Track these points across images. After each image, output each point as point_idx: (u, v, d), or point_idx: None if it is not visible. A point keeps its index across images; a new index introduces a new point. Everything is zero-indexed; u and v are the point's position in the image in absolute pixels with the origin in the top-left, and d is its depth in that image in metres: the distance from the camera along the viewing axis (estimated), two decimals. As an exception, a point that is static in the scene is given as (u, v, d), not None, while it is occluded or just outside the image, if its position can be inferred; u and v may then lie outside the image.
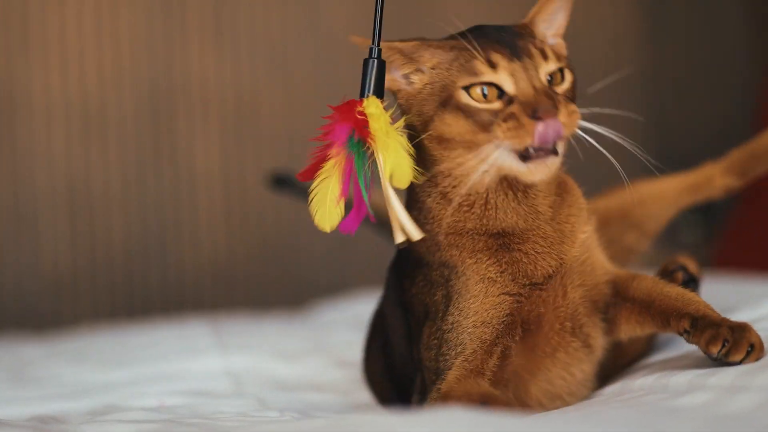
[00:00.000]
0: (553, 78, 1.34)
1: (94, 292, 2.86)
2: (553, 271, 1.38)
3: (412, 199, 1.39)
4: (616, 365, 1.52)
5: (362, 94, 1.35)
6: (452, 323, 1.37)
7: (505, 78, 1.32)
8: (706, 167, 1.66)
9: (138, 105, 2.88)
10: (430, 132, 1.34)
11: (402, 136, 1.31)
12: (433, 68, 1.36)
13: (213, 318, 2.49)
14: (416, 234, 1.30)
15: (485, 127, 1.31)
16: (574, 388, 1.43)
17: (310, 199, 1.30)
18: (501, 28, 1.37)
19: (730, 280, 2.17)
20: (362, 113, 1.31)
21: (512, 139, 1.30)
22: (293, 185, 2.01)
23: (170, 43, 2.90)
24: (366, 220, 1.31)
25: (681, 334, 1.36)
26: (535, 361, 1.40)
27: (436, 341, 1.38)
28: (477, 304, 1.36)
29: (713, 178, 1.66)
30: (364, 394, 1.78)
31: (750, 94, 3.04)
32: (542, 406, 1.42)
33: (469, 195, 1.35)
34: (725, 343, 1.31)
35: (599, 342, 1.43)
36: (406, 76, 1.38)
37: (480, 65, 1.32)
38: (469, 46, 1.33)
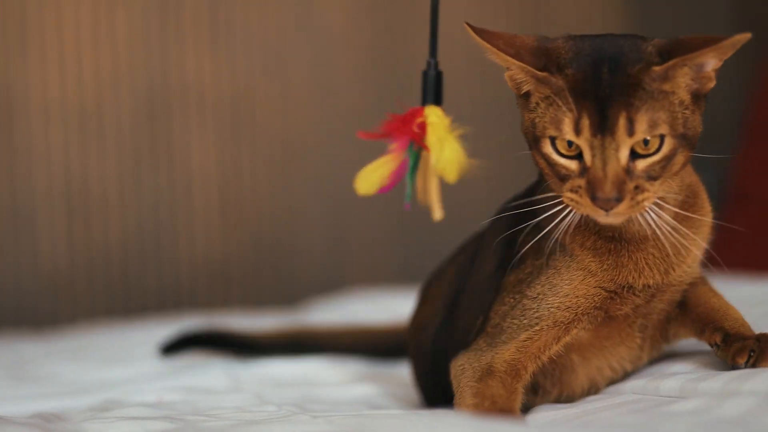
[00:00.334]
0: (649, 143, 1.30)
1: (91, 290, 2.87)
2: (654, 286, 1.40)
3: None
4: None
5: (423, 103, 1.46)
6: (538, 294, 1.39)
7: (585, 148, 1.30)
8: None
9: (135, 105, 2.89)
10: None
11: (453, 147, 1.42)
12: (537, 103, 1.35)
13: (209, 316, 2.52)
14: (438, 214, 1.42)
15: (562, 179, 1.33)
16: (614, 382, 1.47)
17: (364, 168, 1.47)
18: (614, 67, 1.30)
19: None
20: (421, 124, 1.43)
21: (573, 206, 1.32)
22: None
23: (166, 44, 2.91)
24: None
25: (711, 346, 1.39)
26: (596, 348, 1.43)
27: (513, 300, 1.41)
28: (570, 287, 1.39)
29: None
30: (361, 390, 1.81)
31: (739, 98, 3.07)
32: (582, 392, 1.46)
33: None
34: (751, 353, 1.34)
35: (655, 345, 1.47)
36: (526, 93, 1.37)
37: (567, 125, 1.30)
38: (560, 101, 1.31)
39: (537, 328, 1.39)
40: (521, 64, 1.33)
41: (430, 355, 1.62)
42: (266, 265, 2.99)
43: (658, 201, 1.32)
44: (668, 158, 1.30)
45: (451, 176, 1.42)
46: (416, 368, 1.68)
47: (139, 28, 2.89)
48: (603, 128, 1.28)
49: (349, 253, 3.06)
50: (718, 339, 1.37)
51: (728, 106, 3.09)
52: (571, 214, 1.33)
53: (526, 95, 1.36)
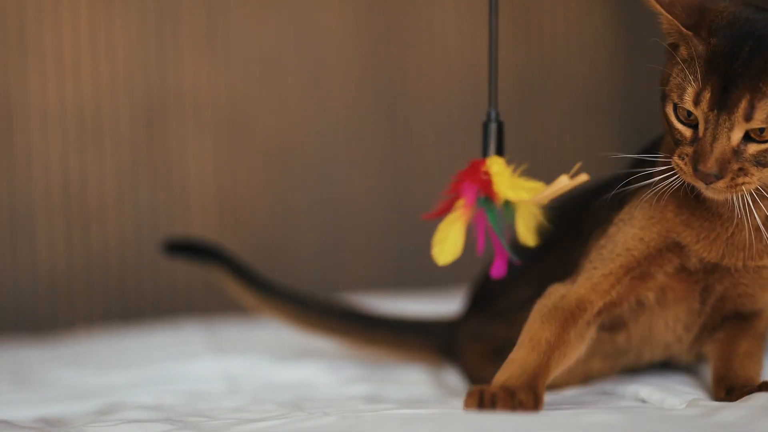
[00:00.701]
0: (765, 131, 1.29)
1: (89, 294, 2.88)
2: (710, 264, 1.42)
3: None
4: None
5: (484, 154, 1.47)
6: (618, 231, 1.44)
7: (700, 119, 1.31)
8: None
9: (132, 112, 2.90)
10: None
11: (526, 188, 1.44)
12: (676, 62, 1.35)
13: (207, 321, 2.53)
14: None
15: (676, 143, 1.35)
16: (666, 346, 1.52)
17: (435, 235, 1.46)
18: (757, 47, 1.29)
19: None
20: (486, 173, 1.44)
21: (678, 172, 1.34)
22: (188, 251, 2.05)
23: (164, 51, 2.92)
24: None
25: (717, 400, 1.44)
26: (660, 300, 1.47)
27: (599, 242, 1.45)
28: (646, 223, 1.43)
29: None
30: (358, 391, 1.82)
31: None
32: (628, 347, 1.51)
33: None
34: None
35: (702, 337, 1.51)
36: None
37: (689, 95, 1.31)
38: (690, 69, 1.31)
39: (611, 264, 1.43)
40: (668, 15, 1.34)
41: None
42: (263, 269, 2.99)
43: (762, 191, 1.32)
44: None
45: (527, 231, 1.46)
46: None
47: (136, 35, 2.90)
48: (723, 105, 1.28)
49: (345, 257, 3.07)
50: (722, 393, 1.43)
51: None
52: (674, 178, 1.35)
53: (673, 47, 1.36)
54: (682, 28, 1.33)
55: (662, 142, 1.44)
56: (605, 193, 1.48)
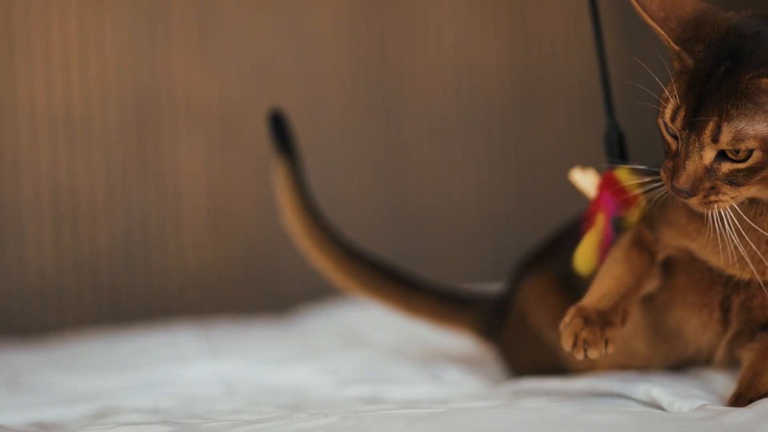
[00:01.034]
0: (739, 151, 1.29)
1: (79, 298, 2.86)
2: (725, 276, 1.44)
3: None
4: None
5: (610, 165, 1.51)
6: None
7: (677, 135, 1.32)
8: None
9: (122, 113, 2.89)
10: None
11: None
12: (673, 72, 1.37)
13: (202, 324, 2.52)
14: None
15: (665, 153, 1.37)
16: (698, 349, 1.54)
17: (579, 252, 1.52)
18: (733, 66, 1.28)
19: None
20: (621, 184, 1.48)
21: (665, 183, 1.36)
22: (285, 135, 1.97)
23: (154, 52, 2.91)
24: None
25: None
26: (682, 295, 1.49)
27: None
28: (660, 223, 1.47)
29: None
30: (356, 392, 1.81)
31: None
32: (667, 336, 1.53)
33: None
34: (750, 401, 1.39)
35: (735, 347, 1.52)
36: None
37: (669, 109, 1.33)
38: (677, 83, 1.32)
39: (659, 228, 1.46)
40: (659, 30, 1.35)
41: None
42: (256, 271, 2.98)
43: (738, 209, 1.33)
44: (753, 170, 1.28)
45: None
46: None
47: (126, 36, 2.88)
48: (693, 125, 1.29)
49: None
50: (731, 401, 1.42)
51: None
52: (663, 189, 1.36)
53: (676, 56, 1.36)
54: (672, 44, 1.34)
55: None
56: None
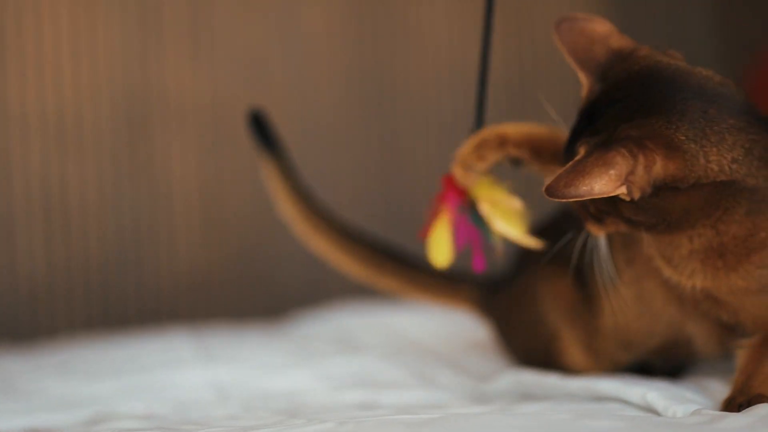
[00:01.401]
0: None
1: (70, 302, 2.85)
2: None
3: None
4: None
5: None
6: None
7: None
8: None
9: (114, 115, 2.88)
10: None
11: (507, 195, 1.54)
12: None
13: (195, 329, 2.51)
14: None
15: None
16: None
17: (429, 242, 1.59)
18: (589, 114, 1.38)
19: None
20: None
21: None
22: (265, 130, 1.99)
23: (146, 53, 2.90)
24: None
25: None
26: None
27: None
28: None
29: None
30: (352, 397, 1.81)
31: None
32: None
33: None
34: (740, 407, 1.39)
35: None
36: None
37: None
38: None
39: None
40: (568, 56, 1.41)
41: None
42: (249, 275, 2.98)
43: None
44: (599, 214, 1.39)
45: (516, 234, 1.56)
46: None
47: (118, 37, 2.88)
48: (569, 153, 1.37)
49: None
50: (724, 405, 1.42)
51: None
52: None
53: None
54: (578, 70, 1.40)
55: None
56: None
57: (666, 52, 1.41)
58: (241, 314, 2.88)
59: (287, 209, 1.97)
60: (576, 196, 1.29)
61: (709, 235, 1.37)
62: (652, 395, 1.47)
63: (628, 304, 1.57)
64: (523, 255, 1.79)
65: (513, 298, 1.81)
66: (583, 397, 1.56)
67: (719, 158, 1.32)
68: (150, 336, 2.42)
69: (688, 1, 3.30)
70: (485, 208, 1.55)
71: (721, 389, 1.52)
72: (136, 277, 2.90)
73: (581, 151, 1.33)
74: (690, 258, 1.40)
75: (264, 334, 2.44)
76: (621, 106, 1.34)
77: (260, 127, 1.97)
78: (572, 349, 1.67)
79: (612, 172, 1.28)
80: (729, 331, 1.51)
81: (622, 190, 1.30)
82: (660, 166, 1.30)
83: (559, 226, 1.67)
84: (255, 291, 2.98)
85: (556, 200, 1.30)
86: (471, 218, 1.57)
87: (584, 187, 1.28)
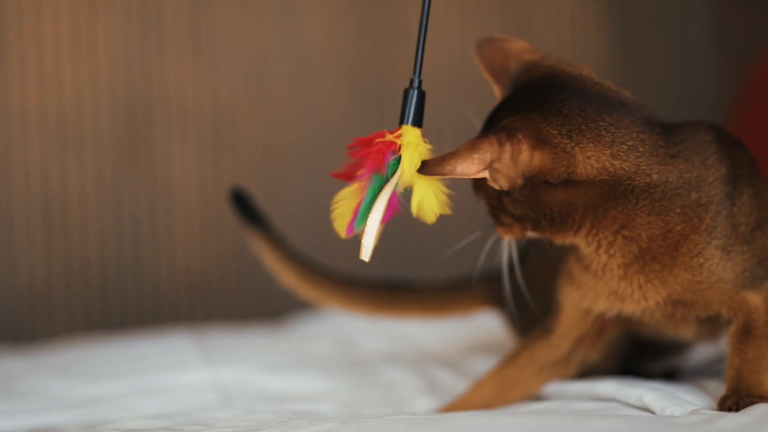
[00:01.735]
0: None
1: (70, 303, 2.85)
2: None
3: None
4: None
5: (401, 123, 1.40)
6: None
7: None
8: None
9: (115, 117, 2.88)
10: None
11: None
12: None
13: (195, 331, 2.51)
14: (367, 255, 1.40)
15: None
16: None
17: (332, 209, 1.42)
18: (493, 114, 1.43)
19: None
20: (387, 144, 1.38)
21: None
22: (246, 206, 2.03)
23: (147, 55, 2.90)
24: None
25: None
26: None
27: None
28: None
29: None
30: (350, 399, 1.81)
31: (719, 103, 3.10)
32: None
33: None
34: (730, 409, 1.39)
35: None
36: None
37: None
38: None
39: None
40: (481, 66, 1.45)
41: None
42: (248, 276, 2.98)
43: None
44: (493, 207, 1.43)
45: (430, 211, 1.38)
46: None
47: (119, 39, 2.88)
48: None
49: (331, 264, 3.05)
50: (719, 405, 1.43)
51: (708, 112, 3.11)
52: None
53: None
54: (493, 84, 1.45)
55: None
56: None
57: (572, 64, 1.46)
58: (241, 315, 2.88)
59: (285, 277, 2.02)
60: (440, 174, 1.33)
61: (624, 248, 1.41)
62: (649, 396, 1.47)
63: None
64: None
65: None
66: (581, 397, 1.56)
67: (597, 153, 1.36)
68: (150, 337, 2.42)
69: (687, 9, 3.31)
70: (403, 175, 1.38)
71: (718, 389, 1.52)
72: (135, 278, 2.90)
73: None
74: (629, 275, 1.43)
75: (264, 335, 2.45)
76: (512, 104, 1.40)
77: (242, 204, 2.02)
78: None
79: (475, 155, 1.33)
80: (714, 323, 1.52)
81: (484, 174, 1.35)
82: (526, 157, 1.34)
83: None
84: (254, 292, 2.98)
85: (427, 176, 1.34)
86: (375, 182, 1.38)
87: (448, 167, 1.33)
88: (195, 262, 2.94)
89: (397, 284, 2.03)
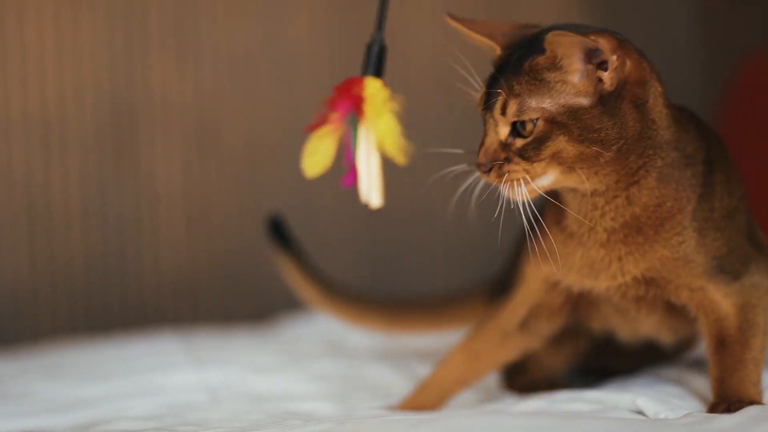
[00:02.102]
0: (526, 126, 1.42)
1: (54, 307, 2.83)
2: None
3: None
4: None
5: (363, 74, 1.53)
6: None
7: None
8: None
9: (99, 119, 2.86)
10: None
11: (395, 117, 1.50)
12: None
13: (182, 332, 2.50)
14: (376, 200, 1.51)
15: None
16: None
17: (305, 148, 1.50)
18: (521, 55, 1.43)
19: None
20: (360, 92, 1.51)
21: None
22: (283, 235, 2.12)
23: (131, 57, 2.89)
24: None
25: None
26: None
27: None
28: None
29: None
30: (346, 400, 1.81)
31: (705, 102, 3.11)
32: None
33: None
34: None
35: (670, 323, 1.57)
36: None
37: (476, 98, 1.47)
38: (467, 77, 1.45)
39: None
40: (486, 41, 1.48)
41: None
42: (235, 277, 2.97)
43: (534, 184, 1.43)
44: (539, 141, 1.40)
45: (390, 149, 1.48)
46: None
47: (103, 40, 2.86)
48: (488, 105, 1.43)
49: (319, 265, 3.05)
50: (709, 410, 1.45)
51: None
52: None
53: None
54: (489, 41, 1.48)
55: None
56: None
57: None
58: (228, 317, 2.87)
59: (310, 296, 2.17)
60: (584, 39, 1.38)
61: (619, 209, 1.44)
62: (641, 400, 1.49)
63: None
64: (519, 245, 1.81)
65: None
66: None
67: (661, 89, 1.45)
68: (137, 339, 2.41)
69: (673, 8, 3.33)
70: (366, 128, 1.50)
71: (709, 393, 1.53)
72: (120, 280, 2.88)
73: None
74: (612, 243, 1.45)
75: (252, 336, 2.44)
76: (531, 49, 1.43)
77: (278, 230, 2.13)
78: None
79: (603, 41, 1.39)
80: (679, 318, 1.54)
81: (613, 60, 1.39)
82: (630, 67, 1.41)
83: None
84: (241, 293, 2.97)
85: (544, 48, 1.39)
86: (351, 132, 1.50)
87: (592, 37, 1.39)
88: (180, 263, 2.93)
89: (404, 301, 2.15)
